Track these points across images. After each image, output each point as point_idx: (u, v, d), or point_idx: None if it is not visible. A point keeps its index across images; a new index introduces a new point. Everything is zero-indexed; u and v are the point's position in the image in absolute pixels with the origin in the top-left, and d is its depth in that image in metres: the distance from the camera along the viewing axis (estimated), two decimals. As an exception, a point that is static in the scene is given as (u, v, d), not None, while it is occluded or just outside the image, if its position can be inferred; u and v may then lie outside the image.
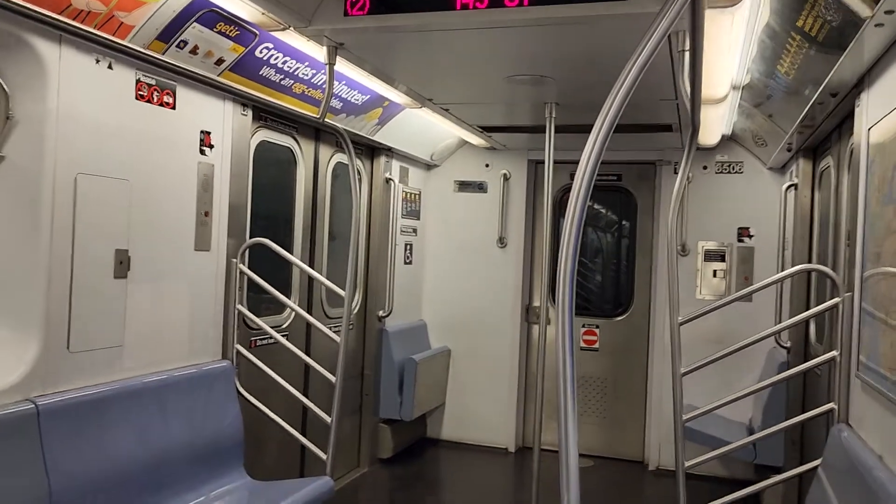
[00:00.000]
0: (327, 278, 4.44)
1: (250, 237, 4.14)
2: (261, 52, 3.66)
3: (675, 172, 5.03)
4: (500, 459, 6.45)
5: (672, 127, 5.25)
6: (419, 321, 6.71)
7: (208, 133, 3.76)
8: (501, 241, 6.63)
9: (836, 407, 3.11)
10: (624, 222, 6.80)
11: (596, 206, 6.86)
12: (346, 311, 3.95)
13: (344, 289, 3.94)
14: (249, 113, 4.10)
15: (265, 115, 4.39)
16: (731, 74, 3.79)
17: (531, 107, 4.86)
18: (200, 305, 3.76)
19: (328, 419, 3.84)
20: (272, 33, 3.40)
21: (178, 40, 3.20)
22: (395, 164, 6.10)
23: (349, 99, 4.62)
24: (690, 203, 5.99)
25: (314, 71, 4.10)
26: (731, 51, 3.34)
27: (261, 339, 4.32)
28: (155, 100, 3.37)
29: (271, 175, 4.70)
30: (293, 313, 4.63)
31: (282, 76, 3.95)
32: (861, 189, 2.95)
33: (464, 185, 6.76)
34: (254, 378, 3.97)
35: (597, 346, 6.59)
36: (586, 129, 1.39)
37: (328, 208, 5.23)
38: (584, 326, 6.61)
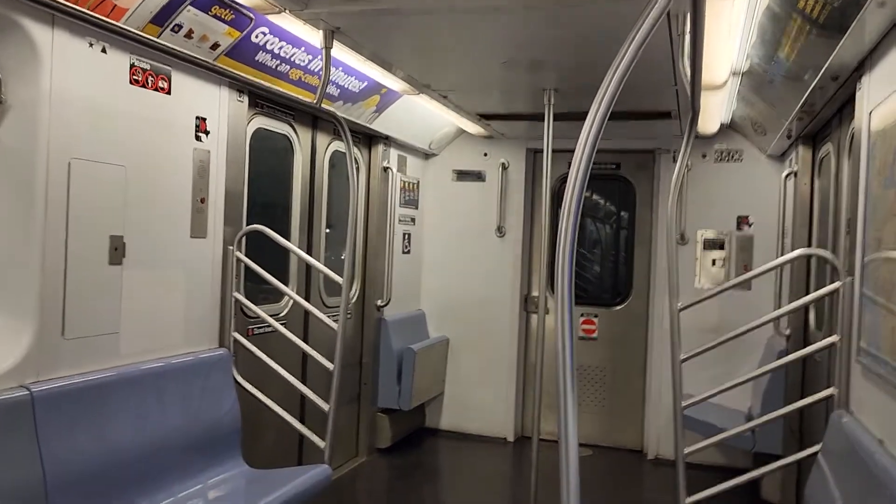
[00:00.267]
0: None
1: (247, 225, 4.12)
2: (256, 37, 3.62)
3: (674, 161, 5.00)
4: (498, 449, 6.45)
5: (671, 114, 5.23)
6: (418, 311, 6.70)
7: (204, 119, 3.72)
8: (500, 231, 6.61)
9: (836, 392, 3.10)
10: (622, 211, 6.78)
11: (595, 196, 6.84)
12: (344, 298, 3.93)
13: (342, 276, 3.92)
14: (245, 99, 4.07)
15: (262, 101, 4.35)
16: (731, 60, 3.77)
17: (530, 93, 4.83)
18: (197, 293, 3.74)
19: (326, 407, 3.83)
20: (268, 17, 3.37)
21: (173, 24, 3.17)
22: (393, 153, 6.08)
23: (346, 86, 4.58)
24: (689, 192, 5.98)
25: (311, 56, 4.07)
26: (731, 35, 3.32)
27: (258, 328, 4.30)
28: (149, 85, 3.33)
29: (268, 163, 4.67)
30: (291, 301, 4.61)
31: (278, 61, 3.92)
32: (862, 173, 2.93)
33: (462, 175, 6.73)
34: (251, 366, 3.95)
35: (595, 335, 6.59)
36: (585, 117, 1.37)
37: (325, 197, 5.20)
38: (582, 316, 6.60)
